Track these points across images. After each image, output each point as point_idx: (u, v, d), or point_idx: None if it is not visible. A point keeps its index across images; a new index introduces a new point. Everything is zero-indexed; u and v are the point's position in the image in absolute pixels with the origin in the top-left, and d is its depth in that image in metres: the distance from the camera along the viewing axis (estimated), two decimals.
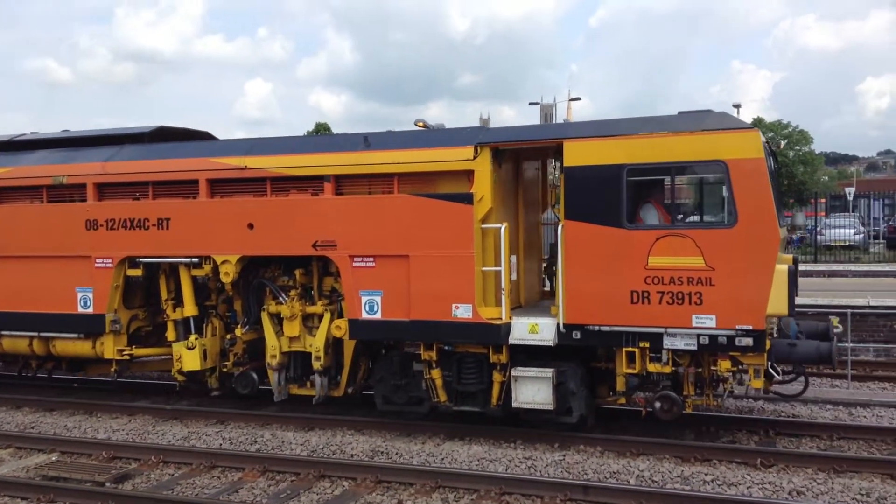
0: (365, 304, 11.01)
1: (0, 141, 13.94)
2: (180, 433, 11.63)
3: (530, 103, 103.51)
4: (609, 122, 10.44)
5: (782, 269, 9.41)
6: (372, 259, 10.93)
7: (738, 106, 42.95)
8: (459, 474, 9.50)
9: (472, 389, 10.91)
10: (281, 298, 11.67)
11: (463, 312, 10.46)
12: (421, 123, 21.12)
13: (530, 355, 10.57)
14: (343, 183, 11.20)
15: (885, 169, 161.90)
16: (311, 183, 11.36)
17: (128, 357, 12.76)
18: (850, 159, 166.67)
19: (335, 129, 69.95)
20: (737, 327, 9.40)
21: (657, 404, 10.17)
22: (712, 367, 9.89)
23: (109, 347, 12.64)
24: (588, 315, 10.01)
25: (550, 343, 10.21)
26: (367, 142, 11.18)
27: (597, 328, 10.00)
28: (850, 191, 45.03)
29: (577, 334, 10.11)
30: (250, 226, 11.48)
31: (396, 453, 10.46)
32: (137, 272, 12.37)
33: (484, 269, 10.50)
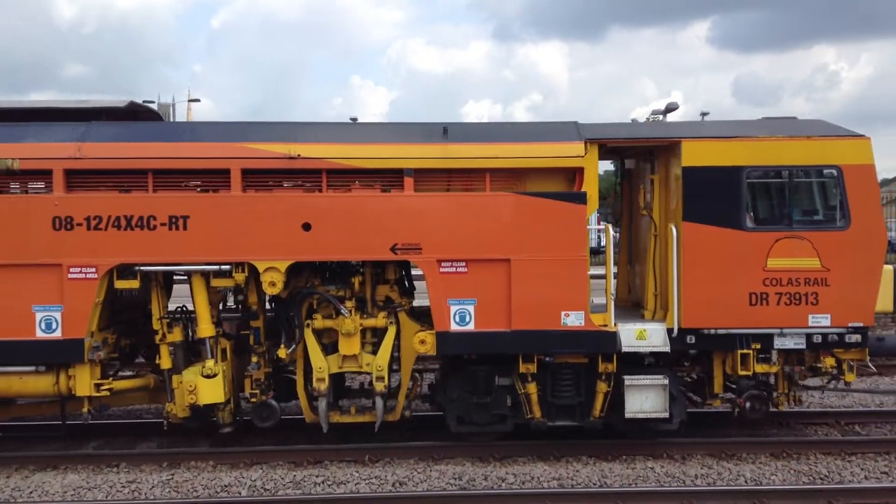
0: (455, 314, 9.74)
1: None
2: None
3: (144, 101, 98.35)
4: (724, 123, 10.38)
5: (889, 268, 10.06)
6: (464, 264, 9.71)
7: (354, 119, 44.01)
8: None
9: (571, 402, 10.18)
10: (343, 311, 9.88)
11: (574, 320, 9.72)
12: None
13: (625, 363, 10.13)
14: (421, 178, 9.81)
15: None
16: (381, 177, 9.81)
17: (107, 392, 9.95)
18: None
19: None
20: (849, 325, 9.86)
21: (747, 404, 10.32)
22: (817, 364, 10.25)
23: (85, 381, 9.74)
24: (705, 319, 9.83)
25: (666, 349, 9.88)
26: (446, 133, 9.92)
27: (713, 332, 9.87)
28: None
29: (691, 339, 9.89)
30: (306, 226, 9.58)
31: None
32: (132, 284, 9.71)
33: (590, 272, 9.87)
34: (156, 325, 10.03)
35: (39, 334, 9.58)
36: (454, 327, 9.75)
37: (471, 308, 9.76)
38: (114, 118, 10.29)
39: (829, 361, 10.13)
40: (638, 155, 10.66)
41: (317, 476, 9.57)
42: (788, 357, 10.22)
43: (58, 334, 9.58)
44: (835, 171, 9.82)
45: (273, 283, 9.60)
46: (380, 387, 9.97)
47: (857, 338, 9.89)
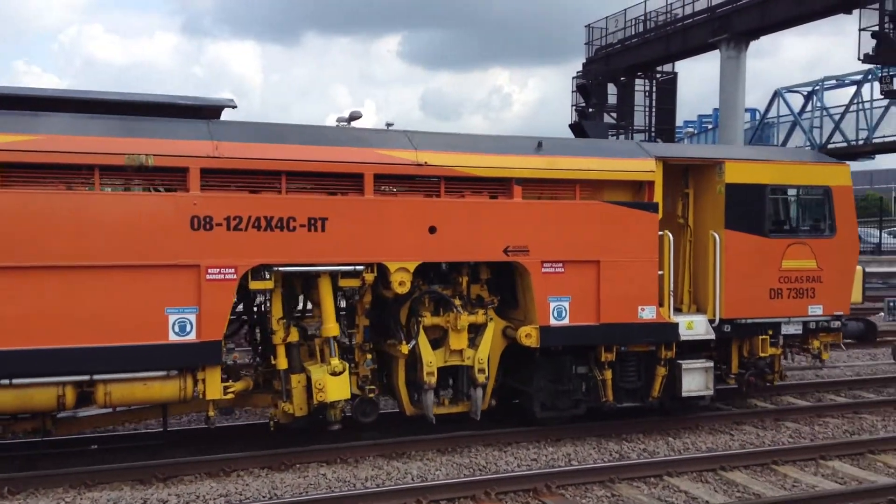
0: (553, 309, 10.89)
1: None
2: None
3: None
4: (749, 148, 12.45)
5: (859, 268, 12.74)
6: (561, 265, 10.90)
7: None
8: None
9: (635, 386, 11.69)
10: (457, 309, 10.59)
11: (648, 314, 11.28)
12: None
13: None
14: (525, 187, 10.84)
15: None
16: (490, 185, 10.71)
17: (232, 395, 9.77)
18: None
19: None
20: (834, 313, 12.39)
21: (752, 380, 12.53)
22: (805, 346, 12.67)
23: (216, 384, 9.54)
24: (739, 310, 11.85)
25: (711, 337, 11.74)
26: (541, 146, 11.04)
27: (744, 321, 11.92)
28: None
29: (727, 328, 11.85)
30: (432, 229, 10.23)
31: None
32: (267, 285, 9.70)
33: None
34: (275, 326, 10.06)
35: (173, 337, 9.30)
36: (553, 322, 10.90)
37: (566, 304, 10.96)
38: (203, 116, 10.17)
39: (816, 343, 12.63)
40: (668, 170, 12.40)
41: None
42: (785, 341, 12.57)
43: (192, 337, 9.36)
44: (826, 190, 12.33)
45: (402, 282, 10.14)
46: (481, 378, 10.84)
47: (837, 324, 12.49)
